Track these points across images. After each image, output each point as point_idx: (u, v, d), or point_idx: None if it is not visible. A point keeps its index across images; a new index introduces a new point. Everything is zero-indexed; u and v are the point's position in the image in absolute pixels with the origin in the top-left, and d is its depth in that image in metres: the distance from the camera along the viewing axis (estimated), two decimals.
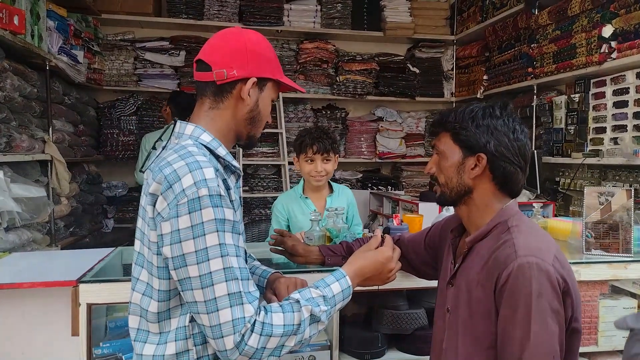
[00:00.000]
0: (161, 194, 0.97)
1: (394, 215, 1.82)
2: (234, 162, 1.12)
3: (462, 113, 1.17)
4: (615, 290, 1.80)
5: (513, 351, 1.02)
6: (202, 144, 1.07)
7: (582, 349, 1.71)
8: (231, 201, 1.02)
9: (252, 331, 0.96)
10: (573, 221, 1.99)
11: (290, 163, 4.50)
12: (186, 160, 0.98)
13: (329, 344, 1.63)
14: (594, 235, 1.72)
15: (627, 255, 1.69)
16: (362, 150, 4.82)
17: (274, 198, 4.58)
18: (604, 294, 1.73)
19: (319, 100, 4.76)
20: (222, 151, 1.09)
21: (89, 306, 1.36)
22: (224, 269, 0.95)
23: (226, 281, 0.95)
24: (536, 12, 3.73)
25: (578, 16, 3.31)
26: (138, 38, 4.40)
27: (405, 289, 1.69)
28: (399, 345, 1.72)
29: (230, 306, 0.95)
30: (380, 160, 4.82)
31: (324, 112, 4.70)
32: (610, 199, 1.74)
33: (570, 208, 3.50)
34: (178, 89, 4.37)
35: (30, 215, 2.60)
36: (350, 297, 1.12)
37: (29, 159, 2.80)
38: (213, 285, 0.94)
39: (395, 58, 4.83)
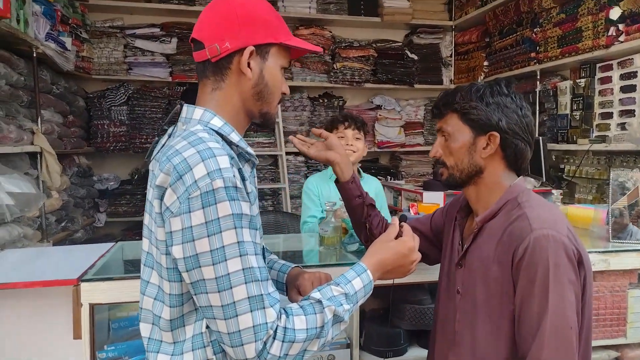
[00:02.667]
0: (170, 186, 0.85)
1: (410, 204, 1.73)
2: (249, 149, 1.00)
3: (469, 92, 1.15)
4: None
5: (531, 324, 1.01)
6: (213, 130, 0.95)
7: (610, 342, 1.65)
8: (247, 193, 0.91)
9: (274, 338, 0.86)
10: (595, 208, 1.92)
11: (288, 153, 4.40)
12: (197, 148, 0.86)
13: (348, 342, 1.54)
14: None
15: None
16: None
17: (272, 190, 4.51)
18: (632, 284, 1.66)
19: (316, 88, 4.64)
20: (235, 137, 0.97)
21: (92, 306, 1.25)
22: (243, 269, 0.85)
23: (246, 283, 0.85)
24: None
25: None
26: (128, 25, 4.23)
27: (427, 283, 1.59)
28: (422, 342, 1.64)
29: (251, 311, 0.84)
30: (379, 150, 4.72)
31: (320, 101, 4.59)
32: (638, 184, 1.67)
33: (576, 195, 3.45)
34: (171, 79, 4.23)
35: (20, 209, 2.47)
36: (372, 292, 1.03)
37: (18, 150, 2.66)
38: (231, 288, 0.84)
39: (393, 44, 4.72)
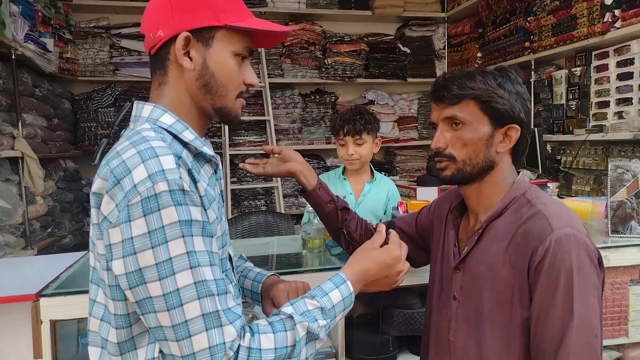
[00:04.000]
0: (107, 192, 0.76)
1: (398, 202, 1.64)
2: (206, 149, 0.89)
3: (487, 77, 1.03)
4: None
5: (553, 333, 0.91)
6: (163, 128, 0.85)
7: (611, 341, 1.57)
8: (201, 197, 0.81)
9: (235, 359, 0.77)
10: (592, 201, 1.83)
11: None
12: (138, 148, 0.77)
13: (333, 351, 1.45)
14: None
15: None
16: None
17: (264, 189, 4.42)
18: (633, 280, 1.57)
19: (307, 84, 4.55)
20: (188, 135, 0.86)
21: (53, 323, 1.17)
22: (194, 283, 0.75)
23: (199, 299, 0.75)
24: None
25: None
26: (113, 24, 4.14)
27: (417, 286, 1.51)
28: (413, 348, 1.55)
29: (206, 329, 0.75)
30: None
31: (312, 97, 4.50)
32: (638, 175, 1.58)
33: (573, 187, 3.36)
34: None
35: None
36: (352, 305, 0.93)
37: None
38: (182, 305, 0.74)
39: (385, 38, 4.62)
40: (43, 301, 1.17)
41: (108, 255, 0.77)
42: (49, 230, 3.30)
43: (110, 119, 4.10)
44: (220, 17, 0.86)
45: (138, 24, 4.10)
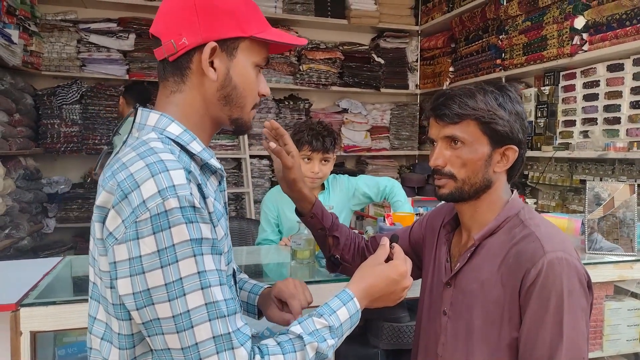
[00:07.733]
0: (113, 207, 0.73)
1: (385, 214, 1.64)
2: (213, 161, 0.87)
3: (488, 97, 1.03)
4: (617, 291, 1.71)
5: (542, 355, 0.94)
6: (170, 138, 0.82)
7: None
8: (209, 213, 0.79)
9: None
10: (568, 217, 1.90)
11: (252, 156, 4.26)
12: (146, 161, 0.74)
13: None
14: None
15: (633, 254, 1.60)
16: None
17: (235, 194, 4.36)
18: (608, 296, 1.64)
19: (281, 90, 4.52)
20: (196, 147, 0.84)
21: (34, 335, 1.09)
22: (206, 304, 0.73)
23: (210, 320, 0.73)
24: (505, 3, 3.68)
25: (549, 7, 3.27)
26: (82, 19, 3.99)
27: (406, 299, 1.51)
28: None
29: (217, 352, 0.73)
30: (345, 154, 4.66)
31: (286, 103, 4.48)
32: (613, 194, 1.65)
33: (539, 202, 3.48)
34: (127, 77, 4.00)
35: None
36: (358, 322, 0.92)
37: None
38: (192, 327, 0.72)
39: (360, 47, 4.66)
40: (23, 311, 1.09)
41: (113, 273, 0.74)
42: (7, 231, 3.13)
43: (75, 117, 3.94)
44: (245, 27, 0.85)
45: (109, 20, 3.99)
